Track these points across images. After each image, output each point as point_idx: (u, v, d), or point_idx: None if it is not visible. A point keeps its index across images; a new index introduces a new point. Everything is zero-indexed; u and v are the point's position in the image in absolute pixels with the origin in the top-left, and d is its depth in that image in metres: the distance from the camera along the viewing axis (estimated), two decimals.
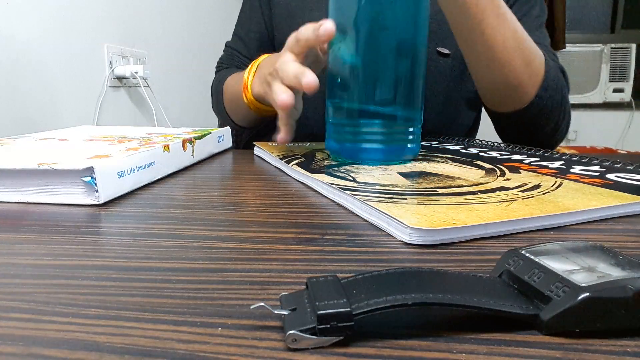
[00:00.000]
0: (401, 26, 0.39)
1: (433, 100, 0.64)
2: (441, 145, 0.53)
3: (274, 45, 0.70)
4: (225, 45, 0.75)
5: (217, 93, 0.67)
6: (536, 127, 0.56)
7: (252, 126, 0.64)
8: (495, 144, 0.53)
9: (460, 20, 0.48)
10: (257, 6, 0.70)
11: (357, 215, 0.28)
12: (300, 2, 0.66)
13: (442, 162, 0.41)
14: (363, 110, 0.40)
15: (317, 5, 0.64)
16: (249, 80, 0.53)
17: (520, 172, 0.36)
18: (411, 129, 0.41)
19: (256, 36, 0.70)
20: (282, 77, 0.42)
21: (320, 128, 0.62)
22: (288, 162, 0.40)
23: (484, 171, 0.37)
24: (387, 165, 0.40)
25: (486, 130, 0.75)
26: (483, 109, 0.66)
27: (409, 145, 0.41)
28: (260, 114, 0.56)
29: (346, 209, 0.29)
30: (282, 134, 0.46)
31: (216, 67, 0.75)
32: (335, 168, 0.38)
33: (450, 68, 0.64)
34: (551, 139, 0.60)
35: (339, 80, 0.41)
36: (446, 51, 0.63)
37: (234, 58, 0.72)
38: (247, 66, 0.55)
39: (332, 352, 0.14)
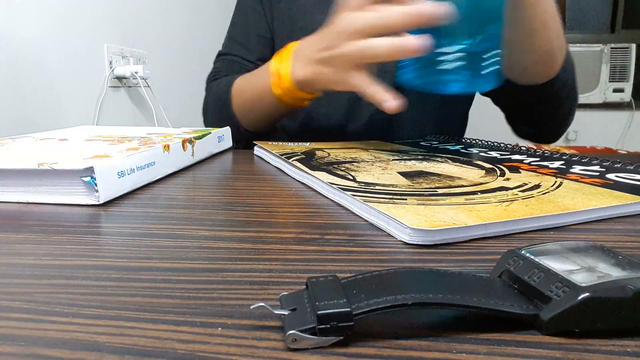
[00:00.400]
0: None
1: (429, 100, 0.65)
2: (441, 145, 0.53)
3: (273, 51, 0.69)
4: (220, 55, 0.71)
5: (221, 100, 0.63)
6: (558, 103, 0.58)
7: (264, 128, 0.62)
8: (495, 144, 0.53)
9: None
10: (259, 10, 0.69)
11: (357, 215, 0.28)
12: (301, 6, 0.66)
13: (442, 162, 0.41)
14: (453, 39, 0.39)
15: (319, 9, 0.63)
16: (285, 67, 0.49)
17: (520, 172, 0.36)
18: (487, 56, 0.40)
19: (261, 41, 0.69)
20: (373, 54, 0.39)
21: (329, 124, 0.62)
22: (288, 158, 0.41)
23: (484, 171, 0.37)
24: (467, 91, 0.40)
25: (484, 130, 0.75)
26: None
27: (485, 72, 0.40)
28: (291, 105, 0.53)
29: (346, 209, 0.29)
30: (389, 99, 0.41)
31: (210, 78, 0.70)
32: (336, 166, 0.38)
33: None
34: (565, 120, 0.62)
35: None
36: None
37: (234, 65, 0.68)
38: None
39: (332, 352, 0.14)
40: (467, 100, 0.72)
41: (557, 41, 0.53)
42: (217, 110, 0.64)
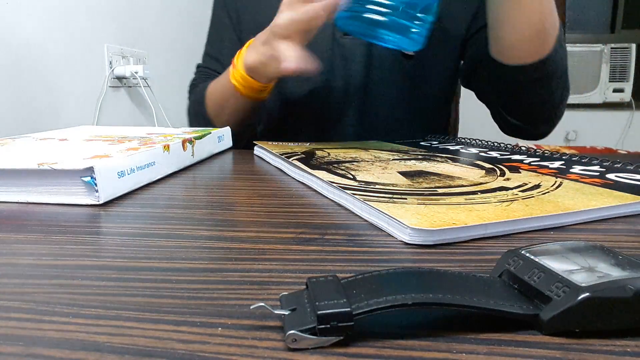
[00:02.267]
0: None
1: (401, 99, 0.65)
2: (441, 145, 0.53)
3: None
4: (197, 67, 0.74)
5: (198, 106, 0.66)
6: (548, 89, 0.57)
7: (236, 127, 0.63)
8: (495, 144, 0.53)
9: None
10: (227, 24, 0.70)
11: (357, 215, 0.28)
12: (268, 15, 0.65)
13: (442, 162, 0.41)
14: None
15: None
16: (238, 58, 0.55)
17: (520, 172, 0.36)
18: (418, 22, 0.43)
19: (231, 52, 0.69)
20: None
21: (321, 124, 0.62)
22: (288, 158, 0.41)
23: (484, 171, 0.37)
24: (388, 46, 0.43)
25: (478, 129, 0.75)
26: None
27: (411, 33, 0.43)
28: (249, 95, 0.57)
29: (346, 208, 0.29)
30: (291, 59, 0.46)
31: (189, 88, 0.74)
32: (336, 165, 0.38)
33: (414, 68, 0.65)
34: (556, 111, 0.60)
35: None
36: (411, 53, 0.64)
37: (210, 77, 0.71)
38: None
39: (332, 352, 0.14)
40: (442, 99, 0.70)
41: (549, 18, 0.51)
42: (195, 116, 0.67)
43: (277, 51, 0.48)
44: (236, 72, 0.55)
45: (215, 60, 0.71)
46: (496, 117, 0.66)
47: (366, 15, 0.42)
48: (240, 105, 0.59)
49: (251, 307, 0.15)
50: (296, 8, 0.47)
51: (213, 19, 0.73)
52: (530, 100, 0.58)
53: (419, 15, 0.42)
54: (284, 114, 0.69)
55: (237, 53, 0.56)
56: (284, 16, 0.48)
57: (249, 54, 0.53)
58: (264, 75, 0.54)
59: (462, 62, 0.68)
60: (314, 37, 0.57)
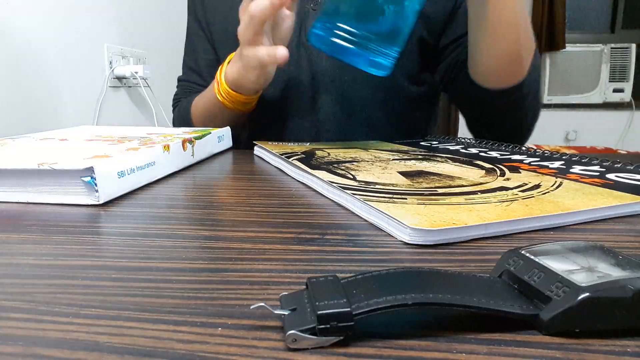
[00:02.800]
0: None
1: (376, 100, 0.65)
2: (441, 145, 0.53)
3: None
4: (179, 81, 0.75)
5: (184, 121, 0.67)
6: (522, 110, 0.58)
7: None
8: (496, 144, 0.53)
9: None
10: (201, 35, 0.70)
11: (357, 215, 0.28)
12: (236, 24, 0.65)
13: (442, 162, 0.41)
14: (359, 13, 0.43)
15: None
16: (221, 73, 0.56)
17: (520, 172, 0.36)
18: (385, 49, 0.44)
19: (207, 62, 0.71)
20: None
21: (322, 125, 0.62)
22: (288, 158, 0.41)
23: (484, 171, 0.37)
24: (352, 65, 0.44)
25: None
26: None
27: (377, 59, 0.44)
28: (236, 108, 0.58)
29: (346, 208, 0.29)
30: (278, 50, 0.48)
31: (173, 103, 0.75)
32: (336, 165, 0.38)
33: (400, 68, 0.64)
34: (528, 131, 0.62)
35: None
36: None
37: (192, 89, 0.72)
38: None
39: (332, 352, 0.14)
40: (420, 103, 0.69)
41: (525, 44, 0.52)
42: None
43: (249, 58, 0.50)
44: (221, 88, 0.56)
45: (193, 72, 0.72)
46: (470, 127, 0.67)
47: (334, 39, 0.43)
48: (228, 117, 0.61)
49: (251, 307, 0.15)
50: (247, 10, 0.48)
51: (188, 30, 0.73)
52: (503, 119, 0.60)
53: (388, 44, 0.43)
54: (267, 119, 0.68)
55: (220, 68, 0.57)
56: (241, 23, 0.49)
57: (229, 69, 0.55)
58: (246, 88, 0.55)
59: (439, 66, 0.68)
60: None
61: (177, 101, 0.73)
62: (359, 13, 0.43)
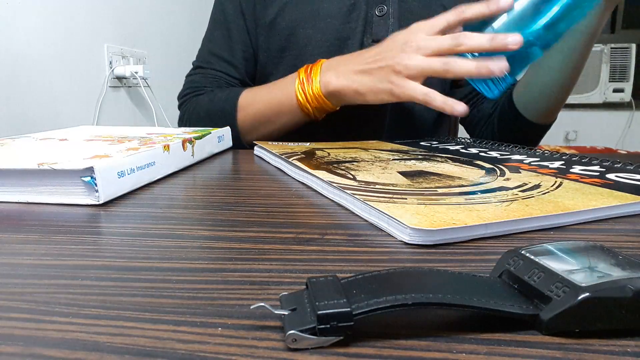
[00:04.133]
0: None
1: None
2: (441, 145, 0.53)
3: (257, 66, 0.69)
4: (198, 67, 0.69)
5: (221, 114, 0.62)
6: (534, 140, 0.65)
7: (273, 139, 0.62)
8: (496, 144, 0.53)
9: (589, 37, 0.53)
10: (242, 25, 0.67)
11: (357, 215, 0.28)
12: (290, 21, 0.64)
13: (442, 162, 0.41)
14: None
15: (310, 24, 0.63)
16: (315, 77, 0.54)
17: (520, 172, 0.36)
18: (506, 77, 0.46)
19: (245, 56, 0.68)
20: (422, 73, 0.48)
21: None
22: (288, 158, 0.41)
23: (484, 171, 0.37)
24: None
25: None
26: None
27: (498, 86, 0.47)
28: (315, 115, 0.57)
29: (346, 208, 0.29)
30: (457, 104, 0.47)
31: (188, 92, 0.69)
32: (336, 165, 0.38)
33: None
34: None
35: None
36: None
37: (219, 81, 0.68)
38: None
39: (332, 352, 0.14)
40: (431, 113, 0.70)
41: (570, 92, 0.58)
42: (212, 124, 0.63)
43: (402, 87, 0.48)
44: (309, 89, 0.54)
45: (225, 62, 0.68)
46: (470, 133, 0.70)
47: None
48: (292, 121, 0.58)
49: (251, 307, 0.15)
50: (429, 57, 0.47)
51: (219, 17, 0.69)
52: (514, 140, 0.63)
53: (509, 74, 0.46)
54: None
55: (307, 68, 0.55)
56: (417, 61, 0.47)
57: (335, 78, 0.52)
58: (346, 101, 0.54)
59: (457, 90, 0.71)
60: (344, 43, 0.60)
61: (196, 90, 0.68)
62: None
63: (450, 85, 0.71)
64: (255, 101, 0.60)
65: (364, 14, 0.62)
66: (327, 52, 0.62)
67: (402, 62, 0.48)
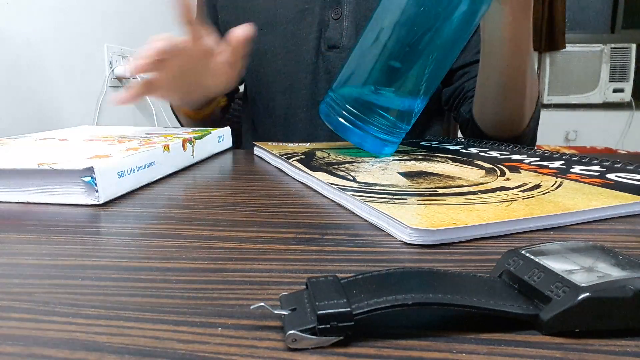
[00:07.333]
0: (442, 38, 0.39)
1: None
2: (441, 145, 0.53)
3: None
4: None
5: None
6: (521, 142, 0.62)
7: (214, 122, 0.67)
8: (496, 144, 0.53)
9: (515, 42, 0.47)
10: (206, 2, 0.71)
11: (357, 215, 0.28)
12: (259, 27, 0.64)
13: (442, 162, 0.41)
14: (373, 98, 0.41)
15: (272, 30, 0.64)
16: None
17: (520, 172, 0.36)
18: (399, 130, 0.43)
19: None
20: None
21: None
22: (288, 159, 0.41)
23: (484, 171, 0.37)
24: (362, 156, 0.43)
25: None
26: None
27: (388, 145, 0.43)
28: (205, 114, 0.62)
29: (346, 209, 0.29)
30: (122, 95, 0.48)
31: None
32: (336, 166, 0.38)
33: None
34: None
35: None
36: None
37: None
38: None
39: (332, 352, 0.14)
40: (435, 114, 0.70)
41: (528, 103, 0.52)
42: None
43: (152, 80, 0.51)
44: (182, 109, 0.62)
45: None
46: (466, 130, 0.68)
47: (341, 119, 0.42)
48: (207, 118, 0.64)
49: (251, 307, 0.15)
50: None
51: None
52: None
53: (399, 126, 0.43)
54: (269, 125, 0.69)
55: None
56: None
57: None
58: (182, 104, 0.60)
59: (444, 89, 0.69)
60: (300, 49, 0.60)
61: None
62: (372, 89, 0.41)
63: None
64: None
65: (318, 17, 0.61)
66: (286, 58, 0.63)
67: None
